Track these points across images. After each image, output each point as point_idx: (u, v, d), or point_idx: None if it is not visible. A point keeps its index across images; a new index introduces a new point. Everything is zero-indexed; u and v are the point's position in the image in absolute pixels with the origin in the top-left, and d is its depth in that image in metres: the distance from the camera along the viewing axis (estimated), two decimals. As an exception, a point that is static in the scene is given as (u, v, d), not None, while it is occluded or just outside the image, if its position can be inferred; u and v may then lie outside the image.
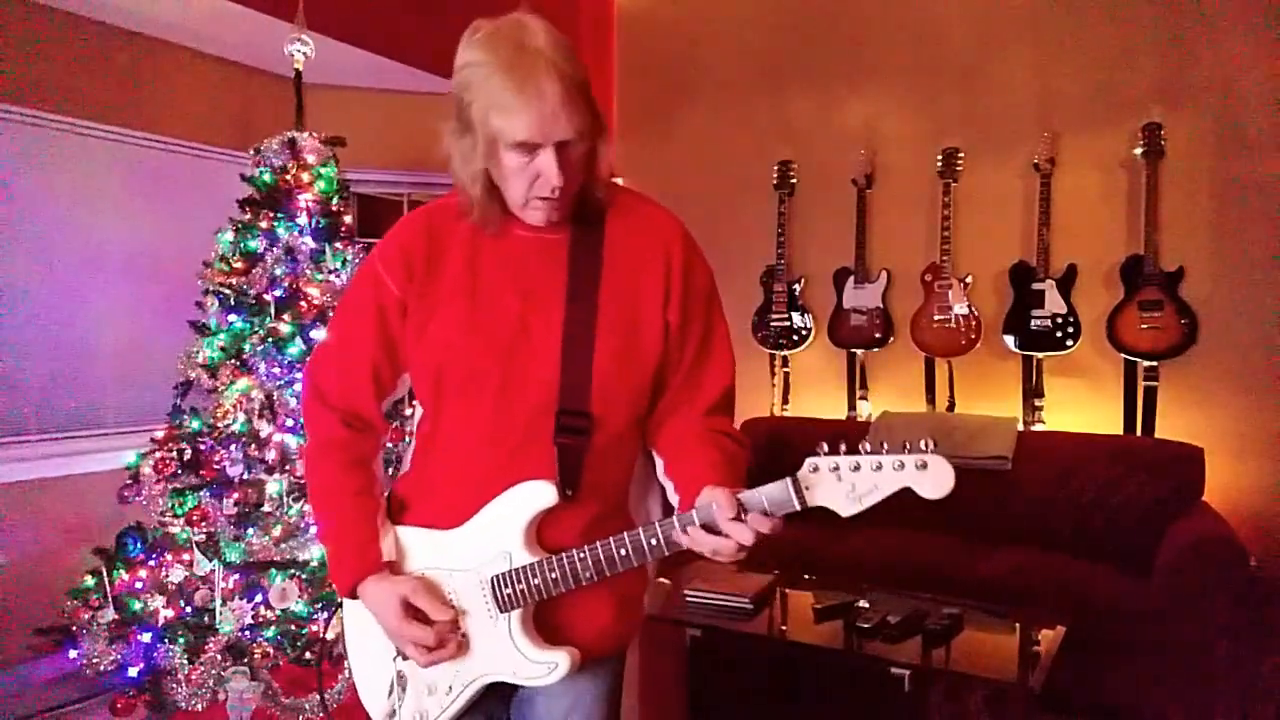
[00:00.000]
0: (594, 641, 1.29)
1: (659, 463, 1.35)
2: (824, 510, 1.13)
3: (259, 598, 2.57)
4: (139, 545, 2.66)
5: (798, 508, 1.12)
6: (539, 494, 1.23)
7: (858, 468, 1.10)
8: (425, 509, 1.32)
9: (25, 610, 2.84)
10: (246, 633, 2.53)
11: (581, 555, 1.20)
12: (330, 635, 2.30)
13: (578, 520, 1.26)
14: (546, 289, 1.26)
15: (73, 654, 2.55)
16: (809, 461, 1.12)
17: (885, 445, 1.10)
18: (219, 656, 2.46)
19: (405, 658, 1.29)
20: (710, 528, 1.13)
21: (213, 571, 2.57)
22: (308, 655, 2.55)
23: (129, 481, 2.68)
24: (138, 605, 2.58)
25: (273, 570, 2.57)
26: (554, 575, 1.22)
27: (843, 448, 1.12)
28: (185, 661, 2.47)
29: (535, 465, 1.23)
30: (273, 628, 2.56)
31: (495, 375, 1.24)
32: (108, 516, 2.87)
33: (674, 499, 1.29)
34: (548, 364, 1.23)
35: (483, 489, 1.25)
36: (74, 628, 2.56)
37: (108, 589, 2.57)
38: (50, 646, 2.62)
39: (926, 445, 1.08)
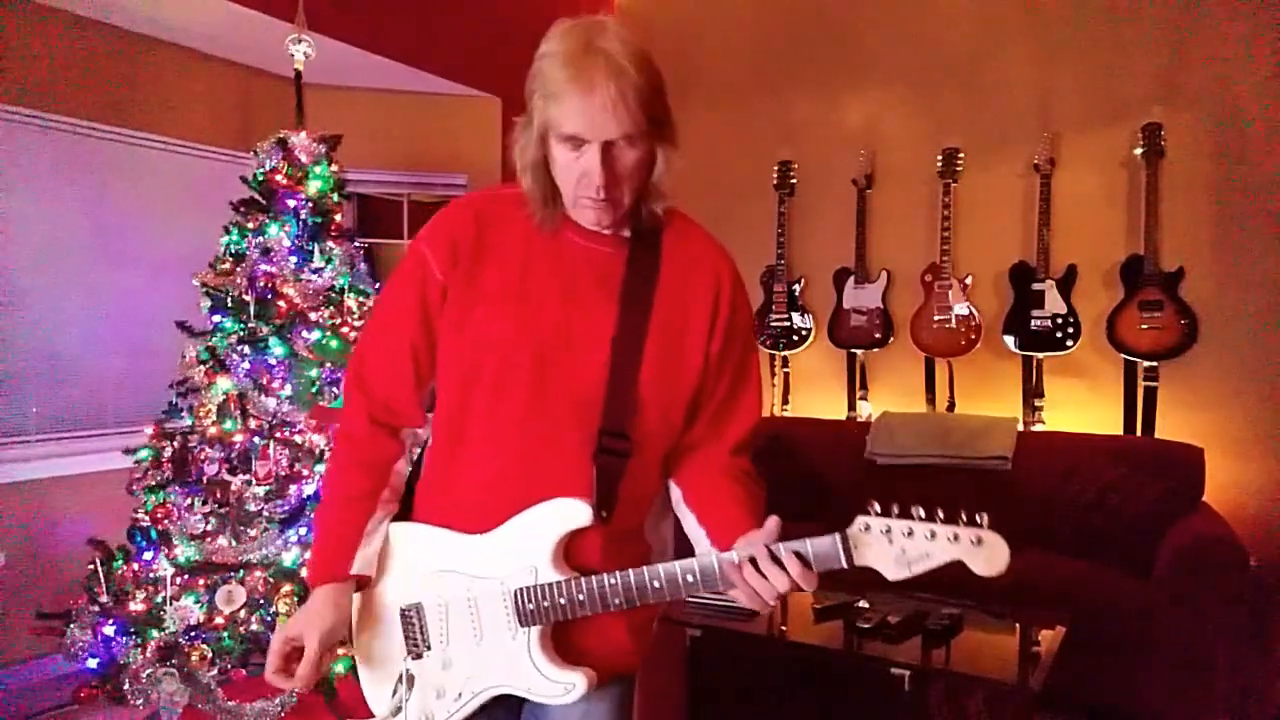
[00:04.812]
0: (608, 663, 1.27)
1: (677, 492, 1.34)
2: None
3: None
4: (142, 540, 2.66)
5: (844, 565, 1.09)
6: (574, 512, 1.20)
7: (910, 533, 1.07)
8: (446, 508, 1.29)
9: (26, 610, 2.84)
10: (189, 634, 2.51)
11: (613, 581, 1.17)
12: None
13: (601, 540, 1.23)
14: (595, 300, 1.23)
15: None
16: (859, 520, 1.09)
17: (940, 514, 1.07)
18: (155, 656, 2.46)
19: (416, 658, 1.28)
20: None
21: (180, 570, 2.57)
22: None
23: (138, 476, 2.70)
24: (128, 595, 2.59)
25: (240, 571, 2.57)
26: (582, 597, 1.19)
27: (894, 510, 1.09)
28: (139, 658, 2.47)
29: (571, 481, 1.21)
30: (224, 631, 2.54)
31: (531, 379, 1.21)
32: (109, 515, 2.87)
33: (698, 531, 1.28)
34: (590, 378, 1.21)
35: (513, 498, 1.22)
36: (72, 616, 2.58)
37: (101, 581, 2.58)
38: (52, 643, 2.62)
39: (980, 520, 1.06)
